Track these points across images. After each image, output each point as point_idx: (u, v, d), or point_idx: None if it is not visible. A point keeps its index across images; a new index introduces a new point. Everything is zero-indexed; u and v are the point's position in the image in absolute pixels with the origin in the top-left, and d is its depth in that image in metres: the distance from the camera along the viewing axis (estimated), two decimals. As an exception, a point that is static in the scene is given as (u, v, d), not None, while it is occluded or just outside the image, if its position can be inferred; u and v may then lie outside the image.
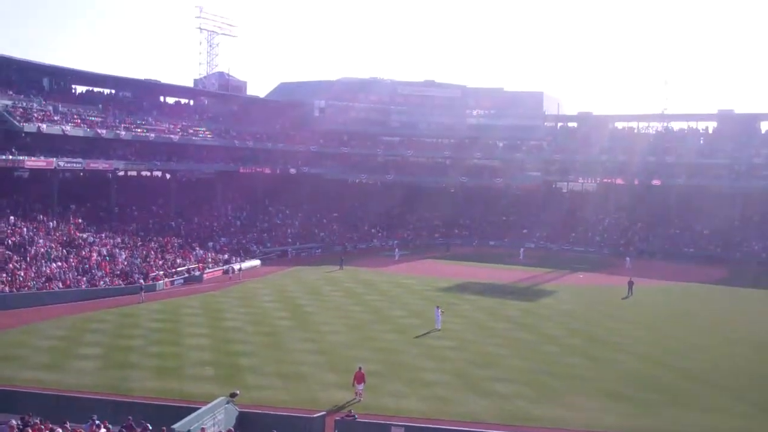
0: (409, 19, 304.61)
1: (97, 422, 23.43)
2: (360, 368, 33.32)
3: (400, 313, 53.81)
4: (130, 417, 24.56)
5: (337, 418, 29.60)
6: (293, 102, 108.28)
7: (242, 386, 33.09)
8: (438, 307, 49.53)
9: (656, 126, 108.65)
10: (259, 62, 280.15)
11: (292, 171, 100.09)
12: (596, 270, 78.82)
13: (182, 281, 66.18)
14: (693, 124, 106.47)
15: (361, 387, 32.76)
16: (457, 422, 29.79)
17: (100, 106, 79.73)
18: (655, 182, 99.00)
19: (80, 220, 69.98)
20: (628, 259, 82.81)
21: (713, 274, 76.36)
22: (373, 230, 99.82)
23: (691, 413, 32.23)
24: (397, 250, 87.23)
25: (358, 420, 29.41)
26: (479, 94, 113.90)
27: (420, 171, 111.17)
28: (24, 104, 68.94)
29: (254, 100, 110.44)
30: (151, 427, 23.55)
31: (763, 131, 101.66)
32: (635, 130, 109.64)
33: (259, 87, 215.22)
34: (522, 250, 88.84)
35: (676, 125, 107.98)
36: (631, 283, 63.93)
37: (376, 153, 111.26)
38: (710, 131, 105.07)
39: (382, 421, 29.14)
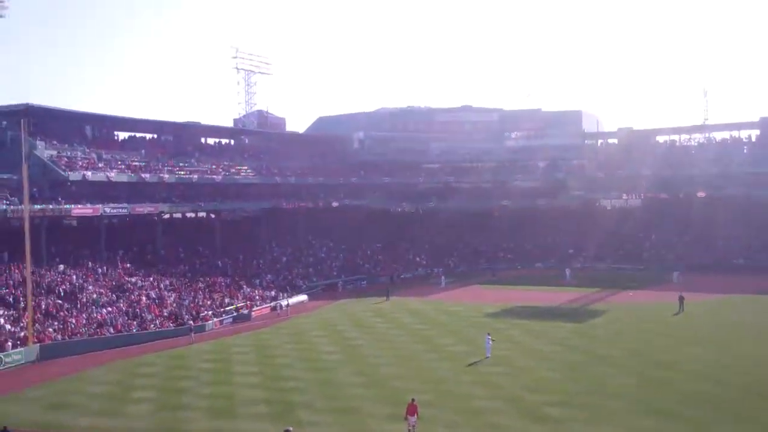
0: (443, 45, 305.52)
1: None
2: (413, 400, 32.97)
3: (449, 341, 53.53)
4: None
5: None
6: (332, 136, 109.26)
7: (295, 423, 33.01)
8: (489, 334, 49.08)
9: (698, 137, 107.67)
10: (296, 98, 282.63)
11: (335, 204, 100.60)
12: (645, 287, 77.84)
13: (231, 320, 66.57)
14: (735, 134, 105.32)
15: (414, 419, 32.41)
16: (512, 450, 29.50)
17: (143, 151, 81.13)
18: (700, 194, 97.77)
19: (128, 265, 70.88)
20: (675, 273, 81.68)
21: (765, 284, 74.95)
22: (417, 259, 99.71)
23: (751, 429, 31.55)
24: (443, 277, 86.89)
25: (412, 452, 29.24)
26: (517, 116, 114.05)
27: (461, 196, 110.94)
28: (68, 153, 70.45)
29: (293, 136, 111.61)
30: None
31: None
32: (677, 143, 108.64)
33: (297, 123, 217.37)
34: (568, 270, 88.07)
35: (719, 135, 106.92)
36: (681, 299, 62.97)
37: (417, 181, 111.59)
38: (753, 139, 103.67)
39: (437, 453, 28.94)
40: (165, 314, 63.42)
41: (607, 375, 41.99)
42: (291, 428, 30.06)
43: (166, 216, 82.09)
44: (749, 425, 32.24)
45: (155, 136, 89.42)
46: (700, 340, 50.83)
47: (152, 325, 60.61)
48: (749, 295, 70.17)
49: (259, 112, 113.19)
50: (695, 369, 42.67)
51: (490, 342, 47.73)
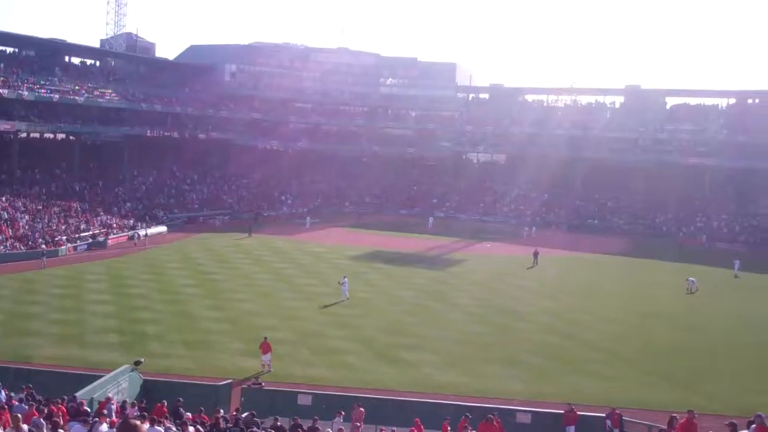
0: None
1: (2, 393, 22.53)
2: (265, 338, 33.05)
3: (309, 281, 53.69)
4: (30, 385, 23.74)
5: (244, 386, 29.45)
6: (203, 65, 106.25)
7: (147, 354, 32.50)
8: (345, 276, 49.43)
9: (565, 99, 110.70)
10: (168, 23, 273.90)
11: (202, 136, 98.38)
12: (503, 240, 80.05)
13: (86, 247, 64.65)
14: (601, 99, 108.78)
15: (267, 357, 32.47)
16: (365, 389, 29.98)
17: (2, 65, 76.87)
18: (562, 154, 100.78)
19: (-21, 183, 67.60)
20: (526, 228, 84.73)
21: (617, 245, 78.36)
22: (283, 198, 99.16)
23: (590, 381, 33.14)
24: (308, 218, 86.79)
25: (265, 388, 29.32)
26: (393, 63, 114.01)
27: (332, 139, 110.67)
28: None
29: (163, 63, 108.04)
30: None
31: (668, 107, 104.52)
32: (545, 104, 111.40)
33: (168, 49, 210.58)
34: (431, 219, 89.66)
35: (585, 99, 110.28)
36: (536, 253, 65.12)
37: (288, 119, 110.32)
38: (617, 106, 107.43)
39: (290, 389, 29.11)
40: (17, 236, 60.98)
41: (459, 321, 43.21)
42: (142, 359, 29.60)
43: (23, 135, 78.30)
44: (588, 376, 33.81)
45: (16, 50, 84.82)
46: (550, 294, 52.82)
47: (2, 247, 58.23)
48: (600, 254, 73.19)
49: (128, 34, 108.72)
50: (544, 321, 44.40)
51: (347, 284, 48.06)
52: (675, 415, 21.28)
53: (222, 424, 20.37)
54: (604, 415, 26.50)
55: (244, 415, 22.33)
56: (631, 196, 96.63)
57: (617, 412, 26.25)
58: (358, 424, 25.00)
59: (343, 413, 24.72)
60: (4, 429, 14.61)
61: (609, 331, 42.56)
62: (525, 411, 27.64)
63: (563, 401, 28.10)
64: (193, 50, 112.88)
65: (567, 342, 39.74)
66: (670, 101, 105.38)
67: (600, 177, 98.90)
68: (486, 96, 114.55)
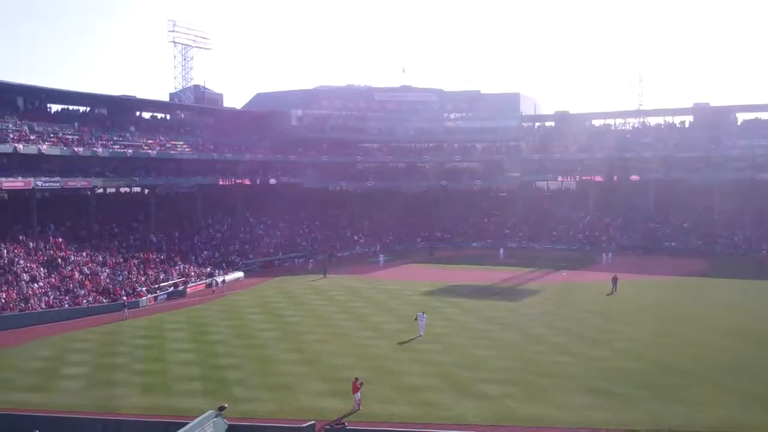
0: (384, 25, 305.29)
1: None
2: (356, 378, 33.39)
3: (384, 318, 53.79)
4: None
5: (327, 426, 29.55)
6: (270, 112, 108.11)
7: (230, 399, 32.92)
8: (422, 312, 49.40)
9: (633, 122, 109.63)
10: (234, 74, 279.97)
11: (272, 181, 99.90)
12: (579, 267, 79.11)
13: (166, 296, 65.92)
14: (669, 119, 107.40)
15: (358, 396, 32.79)
16: (446, 425, 29.84)
17: (76, 124, 79.40)
18: (634, 178, 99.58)
19: (60, 240, 69.53)
20: (604, 255, 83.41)
21: (695, 266, 76.78)
22: (355, 237, 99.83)
23: (676, 407, 32.32)
24: (381, 255, 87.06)
25: (348, 428, 29.37)
26: (456, 97, 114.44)
27: (400, 176, 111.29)
28: (-1, 125, 68.63)
29: (231, 112, 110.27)
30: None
31: (738, 122, 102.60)
32: (612, 127, 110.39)
33: (235, 99, 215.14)
34: (502, 250, 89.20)
35: (653, 120, 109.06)
36: (615, 279, 64.15)
37: (356, 160, 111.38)
38: (686, 125, 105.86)
39: (372, 428, 29.09)
40: (98, 290, 62.51)
41: (539, 353, 42.64)
42: (226, 405, 29.98)
43: (100, 190, 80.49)
44: (673, 402, 33.02)
45: (89, 109, 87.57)
46: (631, 320, 51.86)
47: (85, 301, 59.73)
48: (679, 277, 71.78)
49: (196, 87, 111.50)
50: (626, 348, 43.58)
51: (424, 320, 48.05)
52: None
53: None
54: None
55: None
56: (706, 215, 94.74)
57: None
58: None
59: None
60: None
61: (693, 354, 41.56)
62: (612, 440, 27.13)
63: (650, 429, 27.54)
64: (259, 98, 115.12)
65: (651, 368, 38.92)
66: (741, 117, 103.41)
67: (673, 197, 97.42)
68: (551, 124, 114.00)
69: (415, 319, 48.38)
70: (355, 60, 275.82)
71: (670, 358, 40.89)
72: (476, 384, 36.35)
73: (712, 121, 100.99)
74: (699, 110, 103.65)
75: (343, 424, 30.03)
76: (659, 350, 42.81)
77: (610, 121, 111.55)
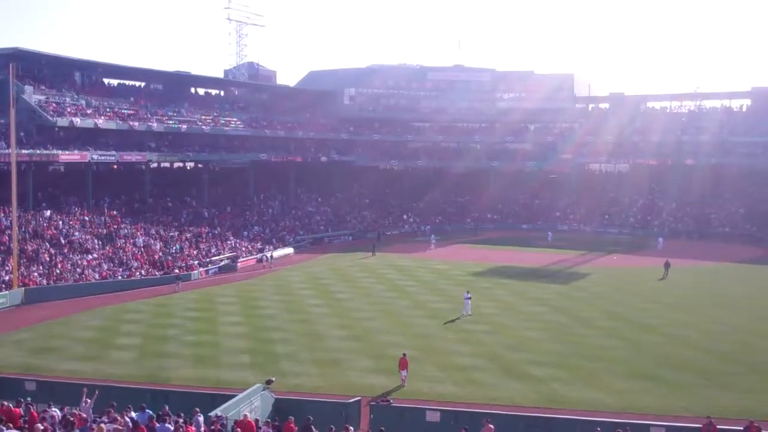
0: (438, 2, 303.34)
1: (149, 412, 23.33)
2: (404, 354, 33.50)
3: (433, 298, 53.86)
4: (165, 406, 24.37)
5: (373, 402, 29.71)
6: (323, 90, 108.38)
7: (278, 373, 33.27)
8: (467, 291, 49.34)
9: (689, 105, 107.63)
10: (288, 51, 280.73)
11: (323, 159, 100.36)
12: (630, 251, 78.24)
13: (216, 270, 66.74)
14: (726, 102, 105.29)
15: (404, 373, 32.90)
16: (492, 406, 29.77)
17: (132, 99, 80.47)
18: (689, 162, 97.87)
19: (115, 212, 70.67)
20: (660, 239, 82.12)
21: (749, 253, 75.49)
22: (404, 216, 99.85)
23: (728, 395, 31.92)
24: (432, 236, 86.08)
25: (393, 405, 29.48)
26: (509, 77, 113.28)
27: (450, 156, 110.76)
28: (57, 99, 69.81)
29: (284, 90, 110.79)
30: (183, 415, 23.58)
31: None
32: (668, 110, 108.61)
33: (288, 76, 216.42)
34: (550, 233, 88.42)
35: (709, 103, 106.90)
36: (667, 264, 63.33)
37: (407, 139, 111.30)
38: (744, 109, 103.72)
39: (418, 406, 29.19)
40: (151, 263, 63.47)
41: (589, 337, 42.34)
42: (273, 378, 30.31)
43: (154, 165, 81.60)
44: (725, 390, 32.62)
45: (144, 84, 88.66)
46: (683, 306, 51.17)
47: (138, 273, 60.69)
48: (733, 263, 70.63)
49: (250, 64, 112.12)
50: (678, 334, 43.03)
51: (470, 299, 47.94)
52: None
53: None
54: (741, 428, 25.49)
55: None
56: (762, 201, 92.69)
57: (755, 425, 25.19)
58: (488, 440, 24.81)
59: (467, 429, 24.46)
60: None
61: (745, 342, 40.95)
62: (659, 425, 26.83)
63: (698, 415, 27.24)
64: (312, 76, 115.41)
65: (701, 354, 38.41)
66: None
67: (729, 183, 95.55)
68: (606, 105, 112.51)
69: (465, 298, 48.31)
70: (408, 38, 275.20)
71: (722, 346, 40.32)
72: (523, 365, 36.24)
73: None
74: (757, 94, 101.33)
75: (389, 401, 30.14)
76: (711, 337, 42.22)
77: (666, 104, 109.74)
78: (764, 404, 30.48)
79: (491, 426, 25.13)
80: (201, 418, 23.35)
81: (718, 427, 25.46)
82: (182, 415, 23.23)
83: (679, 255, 70.32)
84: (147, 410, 23.18)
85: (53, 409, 23.03)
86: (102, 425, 20.44)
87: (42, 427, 19.12)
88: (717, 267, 69.17)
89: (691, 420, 27.52)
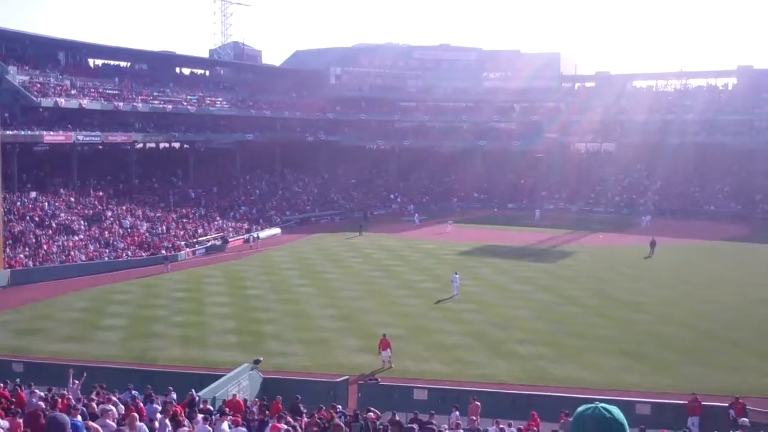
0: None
1: (134, 392, 23.43)
2: (384, 335, 33.52)
3: (419, 277, 54.01)
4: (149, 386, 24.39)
5: (360, 381, 29.88)
6: (309, 70, 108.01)
7: (265, 353, 33.33)
8: (456, 272, 49.49)
9: (675, 84, 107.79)
10: (273, 31, 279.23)
11: (310, 139, 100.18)
12: (616, 230, 78.45)
13: (204, 251, 66.68)
14: (712, 81, 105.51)
15: (387, 353, 32.91)
16: (479, 383, 29.99)
17: (117, 79, 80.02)
18: (675, 140, 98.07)
19: (101, 193, 70.46)
20: (644, 218, 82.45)
21: (734, 231, 75.85)
22: (391, 196, 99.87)
23: (712, 372, 32.24)
24: (416, 215, 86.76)
25: (381, 383, 29.67)
26: (495, 56, 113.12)
27: (437, 135, 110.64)
28: (41, 79, 69.39)
29: (270, 69, 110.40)
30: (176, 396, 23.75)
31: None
32: (654, 89, 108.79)
33: (274, 56, 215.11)
34: (537, 211, 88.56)
35: (695, 82, 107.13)
36: (653, 243, 63.57)
37: (393, 119, 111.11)
38: (730, 88, 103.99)
39: (405, 384, 29.40)
40: (138, 244, 63.38)
41: (575, 315, 42.59)
42: (261, 358, 30.42)
43: (139, 145, 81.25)
44: (709, 367, 32.94)
45: (129, 64, 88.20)
46: (668, 284, 51.49)
47: (125, 254, 60.60)
48: (718, 242, 70.93)
49: (235, 43, 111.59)
50: (663, 312, 43.34)
51: (458, 280, 48.10)
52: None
53: (338, 420, 20.71)
54: (727, 405, 25.80)
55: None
56: (747, 180, 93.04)
57: (741, 401, 25.51)
58: (474, 417, 25.04)
59: (457, 407, 24.75)
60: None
61: (729, 320, 41.26)
62: (644, 402, 27.12)
63: (684, 392, 27.53)
64: (298, 56, 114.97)
65: (686, 332, 38.74)
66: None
67: (714, 161, 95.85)
68: (592, 84, 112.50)
69: (452, 279, 48.39)
70: (394, 18, 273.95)
71: (707, 323, 40.67)
72: (509, 344, 36.48)
73: (756, 83, 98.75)
74: (743, 73, 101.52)
75: (377, 379, 30.33)
76: (696, 315, 42.53)
77: (652, 83, 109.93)
78: (749, 381, 30.85)
79: (477, 403, 25.39)
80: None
81: (703, 403, 25.79)
82: (171, 389, 23.41)
83: (665, 233, 70.58)
84: (133, 390, 23.26)
85: (39, 391, 22.90)
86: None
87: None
88: (702, 245, 69.50)
89: (676, 397, 27.81)
